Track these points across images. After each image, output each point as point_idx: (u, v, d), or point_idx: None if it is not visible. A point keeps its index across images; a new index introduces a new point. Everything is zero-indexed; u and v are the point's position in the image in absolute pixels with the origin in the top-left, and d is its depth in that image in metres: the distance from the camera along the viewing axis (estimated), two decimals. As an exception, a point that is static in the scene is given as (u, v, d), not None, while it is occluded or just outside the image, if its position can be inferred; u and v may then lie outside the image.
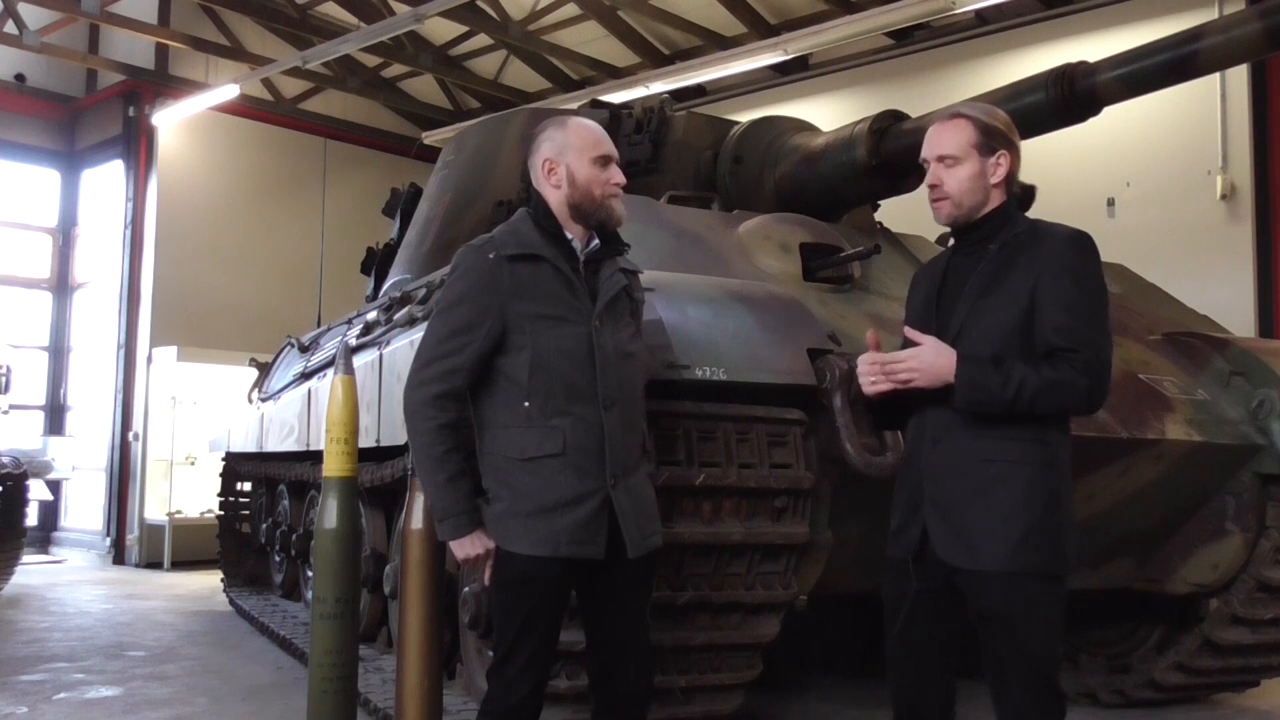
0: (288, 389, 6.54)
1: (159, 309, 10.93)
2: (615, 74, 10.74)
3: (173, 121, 11.04)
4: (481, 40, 10.99)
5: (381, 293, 6.10)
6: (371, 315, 5.17)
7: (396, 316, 4.71)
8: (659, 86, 9.41)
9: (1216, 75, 6.90)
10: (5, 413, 9.98)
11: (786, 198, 5.02)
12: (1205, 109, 7.56)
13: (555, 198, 2.64)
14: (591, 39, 10.59)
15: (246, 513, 8.05)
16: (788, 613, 3.45)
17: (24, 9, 9.74)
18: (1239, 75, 7.41)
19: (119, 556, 10.66)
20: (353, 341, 5.04)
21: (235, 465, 7.91)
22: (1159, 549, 4.30)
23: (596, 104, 6.02)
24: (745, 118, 5.58)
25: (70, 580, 9.13)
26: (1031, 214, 2.56)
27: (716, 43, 10.04)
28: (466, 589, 3.55)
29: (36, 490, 8.78)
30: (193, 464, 10.23)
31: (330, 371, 3.87)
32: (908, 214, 4.95)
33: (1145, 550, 4.30)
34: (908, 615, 2.50)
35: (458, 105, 12.62)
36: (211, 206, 11.28)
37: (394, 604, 4.52)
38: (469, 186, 5.72)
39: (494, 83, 11.86)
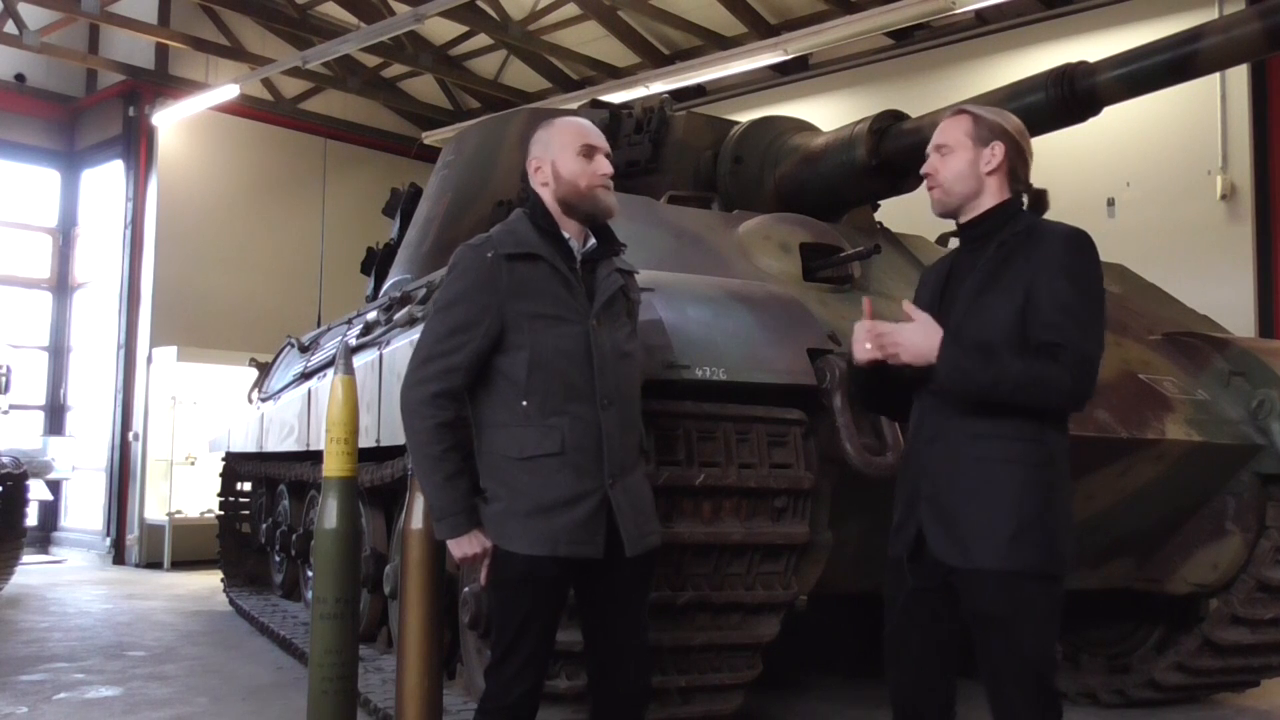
0: (288, 389, 6.54)
1: (159, 309, 10.93)
2: (615, 74, 10.74)
3: (173, 121, 11.04)
4: (481, 40, 10.99)
5: (381, 293, 6.10)
6: (371, 315, 5.17)
7: (396, 316, 4.71)
8: (659, 86, 9.41)
9: (1216, 75, 6.90)
10: (5, 413, 9.98)
11: (786, 198, 5.02)
12: (1205, 109, 7.56)
13: (546, 196, 2.65)
14: (591, 39, 10.59)
15: (246, 513, 8.05)
16: (788, 613, 3.45)
17: (24, 9, 9.74)
18: (1239, 75, 7.41)
19: (119, 556, 10.66)
20: (353, 341, 5.04)
21: (235, 465, 7.91)
22: (1159, 549, 4.29)
23: (596, 104, 6.02)
24: (745, 118, 5.58)
25: (70, 580, 9.13)
26: (1032, 214, 2.56)
27: (716, 43, 10.04)
28: (466, 589, 3.55)
29: (36, 490, 8.77)
30: (193, 464, 10.23)
31: (330, 371, 3.87)
32: (908, 214, 4.95)
33: (1145, 550, 4.29)
34: (908, 615, 2.50)
35: (458, 105, 12.62)
36: (211, 206, 11.28)
37: (394, 604, 4.52)
38: (469, 186, 5.72)
39: (494, 83, 11.86)
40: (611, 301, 2.63)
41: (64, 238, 12.13)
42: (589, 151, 2.64)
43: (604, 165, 2.65)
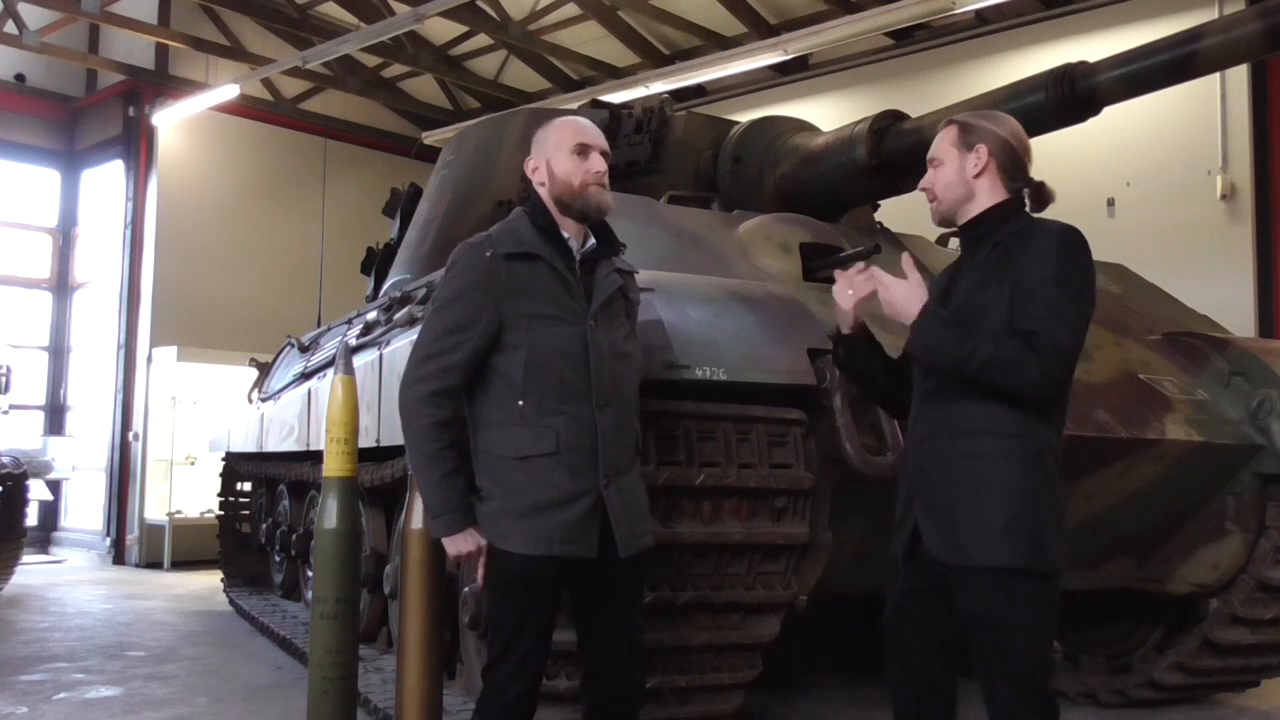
0: (288, 389, 6.54)
1: (159, 309, 10.93)
2: (615, 74, 10.74)
3: (173, 121, 11.04)
4: (481, 40, 10.99)
5: (381, 293, 6.10)
6: (371, 315, 5.17)
7: (396, 316, 4.71)
8: (659, 86, 9.41)
9: (1216, 75, 6.90)
10: (5, 413, 9.98)
11: (786, 198, 5.02)
12: (1205, 109, 7.56)
13: (543, 195, 2.66)
14: (591, 39, 10.59)
15: (246, 513, 8.05)
16: (788, 613, 3.45)
17: (24, 9, 9.74)
18: (1239, 75, 7.41)
19: (119, 556, 10.66)
20: (353, 341, 5.04)
21: (235, 465, 7.91)
22: (1159, 549, 4.29)
23: (596, 104, 6.02)
24: (745, 118, 5.57)
25: (70, 580, 9.13)
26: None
27: (716, 43, 10.04)
28: (466, 589, 3.55)
29: (36, 490, 8.78)
30: (193, 464, 10.23)
31: (330, 371, 3.87)
32: (908, 214, 4.95)
33: (1145, 550, 4.29)
34: (908, 614, 2.50)
35: (458, 105, 12.62)
36: (211, 206, 11.28)
37: (394, 604, 4.52)
38: (469, 186, 5.71)
39: (494, 83, 11.86)
40: (610, 302, 2.63)
41: (64, 238, 12.13)
42: (583, 150, 2.64)
43: (598, 163, 2.65)
